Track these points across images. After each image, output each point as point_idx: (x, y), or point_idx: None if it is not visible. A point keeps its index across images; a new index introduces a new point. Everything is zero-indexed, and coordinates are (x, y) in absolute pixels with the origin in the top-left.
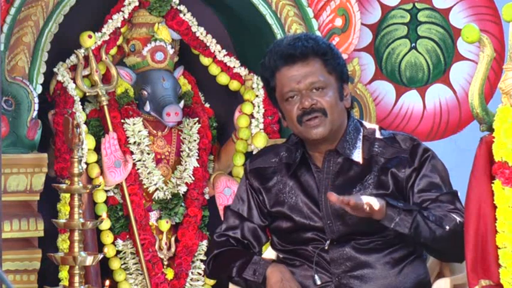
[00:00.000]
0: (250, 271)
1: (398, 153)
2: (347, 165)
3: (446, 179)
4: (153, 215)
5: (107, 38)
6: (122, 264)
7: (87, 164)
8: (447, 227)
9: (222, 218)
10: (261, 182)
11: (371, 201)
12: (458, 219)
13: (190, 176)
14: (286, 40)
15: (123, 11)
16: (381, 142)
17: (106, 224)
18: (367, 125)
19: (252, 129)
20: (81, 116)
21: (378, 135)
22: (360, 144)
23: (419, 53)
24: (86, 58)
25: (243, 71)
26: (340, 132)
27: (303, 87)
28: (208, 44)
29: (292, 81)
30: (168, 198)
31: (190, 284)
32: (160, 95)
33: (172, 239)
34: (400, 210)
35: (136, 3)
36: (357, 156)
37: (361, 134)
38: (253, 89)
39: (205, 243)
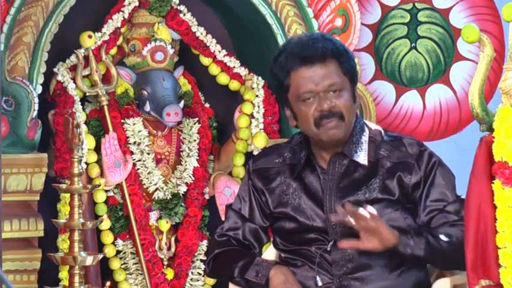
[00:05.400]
0: (253, 272)
1: (405, 157)
2: (352, 167)
3: (453, 185)
4: (153, 215)
5: (107, 38)
6: (122, 264)
7: (87, 164)
8: (454, 240)
9: (223, 218)
10: (264, 182)
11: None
12: (461, 231)
13: (190, 176)
14: (304, 40)
15: (123, 11)
16: (387, 145)
17: (106, 224)
18: (371, 125)
19: (252, 129)
20: (81, 116)
21: (384, 137)
22: (365, 146)
23: (419, 53)
24: (86, 58)
25: (243, 71)
26: (348, 134)
27: (321, 89)
28: (208, 44)
29: (309, 83)
30: (168, 198)
31: (190, 284)
32: (161, 95)
33: (172, 239)
34: (412, 233)
35: (136, 3)
36: (363, 158)
37: (367, 135)
38: (253, 89)
39: (205, 243)
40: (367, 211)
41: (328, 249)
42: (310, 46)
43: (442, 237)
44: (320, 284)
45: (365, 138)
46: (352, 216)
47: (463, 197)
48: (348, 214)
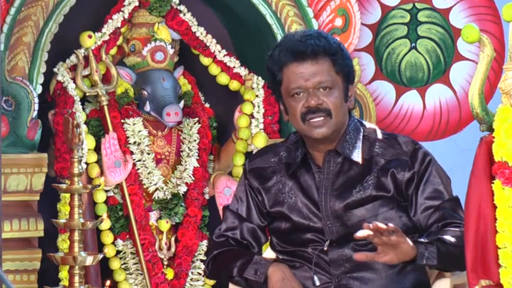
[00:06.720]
0: (252, 271)
1: (399, 155)
2: (347, 165)
3: (448, 184)
4: (153, 215)
5: (107, 38)
6: (122, 264)
7: (87, 164)
8: (461, 243)
9: (222, 218)
10: (260, 182)
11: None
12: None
13: (190, 176)
14: (298, 36)
15: (123, 11)
16: (382, 143)
17: (106, 224)
18: (367, 124)
19: (252, 129)
20: (81, 116)
21: (378, 135)
22: (359, 144)
23: (419, 53)
24: (86, 58)
25: (243, 71)
26: (340, 132)
27: (310, 85)
28: (208, 44)
29: (300, 78)
30: (168, 198)
31: (190, 284)
32: (160, 95)
33: (172, 239)
34: (425, 244)
35: (136, 3)
36: (357, 156)
37: (361, 133)
38: (253, 89)
39: (205, 243)
40: (390, 226)
41: (325, 249)
42: (303, 42)
43: (450, 240)
44: (318, 283)
45: (359, 136)
46: (376, 231)
47: (458, 196)
48: (372, 231)
